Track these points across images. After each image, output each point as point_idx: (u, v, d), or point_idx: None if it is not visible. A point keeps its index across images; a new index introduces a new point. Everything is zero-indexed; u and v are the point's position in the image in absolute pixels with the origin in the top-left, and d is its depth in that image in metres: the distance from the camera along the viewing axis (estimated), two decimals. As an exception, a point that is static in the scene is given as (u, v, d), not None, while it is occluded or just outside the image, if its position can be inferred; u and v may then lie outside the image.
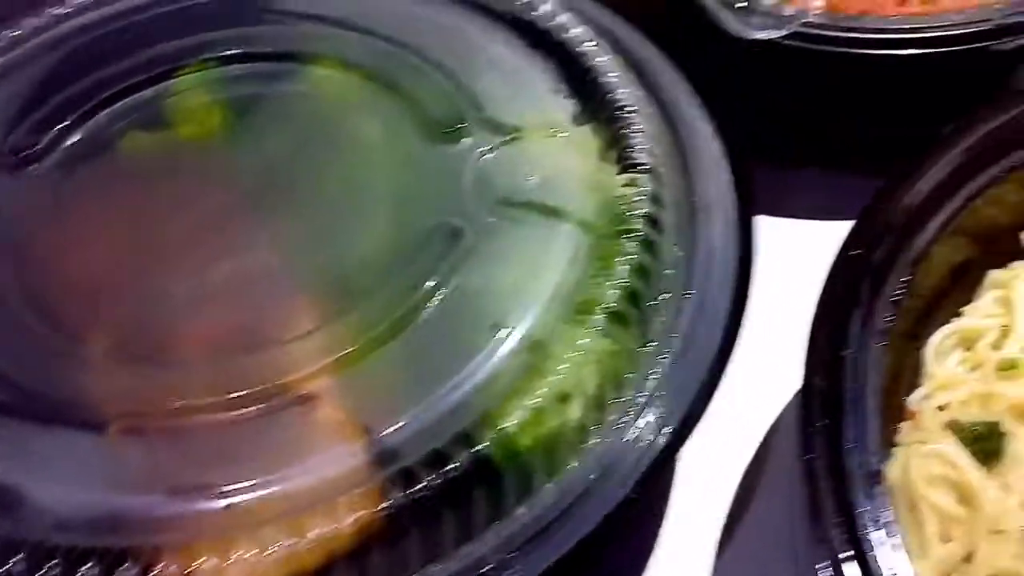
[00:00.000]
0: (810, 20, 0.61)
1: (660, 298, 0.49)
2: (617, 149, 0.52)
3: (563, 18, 0.58)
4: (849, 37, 0.60)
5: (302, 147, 0.55)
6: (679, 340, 0.48)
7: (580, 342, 0.45)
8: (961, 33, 0.60)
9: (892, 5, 0.63)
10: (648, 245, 0.49)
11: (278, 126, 0.56)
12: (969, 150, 0.54)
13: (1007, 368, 0.50)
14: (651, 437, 0.46)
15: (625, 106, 0.54)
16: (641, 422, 0.46)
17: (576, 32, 0.57)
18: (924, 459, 0.47)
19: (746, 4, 0.61)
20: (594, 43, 0.57)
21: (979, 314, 0.54)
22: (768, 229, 0.55)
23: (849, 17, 0.62)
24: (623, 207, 0.50)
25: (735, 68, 0.64)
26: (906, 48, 0.60)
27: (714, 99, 0.57)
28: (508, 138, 0.53)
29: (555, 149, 0.53)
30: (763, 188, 0.54)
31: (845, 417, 0.45)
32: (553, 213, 0.50)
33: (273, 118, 0.56)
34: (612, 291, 0.47)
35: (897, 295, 0.49)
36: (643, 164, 0.51)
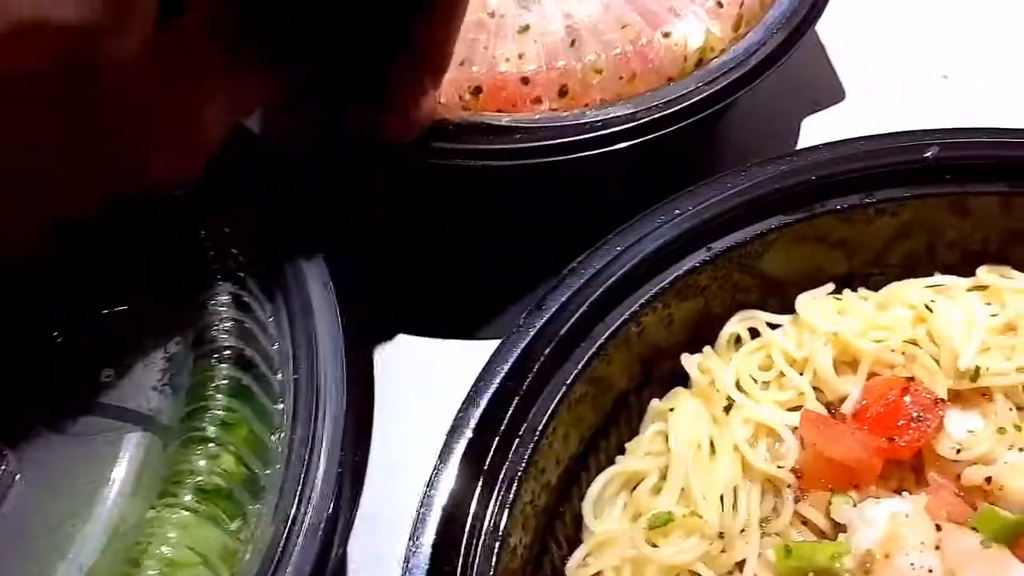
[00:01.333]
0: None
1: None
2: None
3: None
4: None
5: None
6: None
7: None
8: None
9: (528, 104, 0.57)
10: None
11: None
12: (614, 270, 0.49)
13: (661, 524, 0.45)
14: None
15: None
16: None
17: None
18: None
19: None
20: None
21: (640, 452, 0.49)
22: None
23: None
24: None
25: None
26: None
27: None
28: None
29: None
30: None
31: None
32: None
33: None
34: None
35: (529, 457, 0.43)
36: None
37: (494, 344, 0.46)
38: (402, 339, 0.58)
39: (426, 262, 0.61)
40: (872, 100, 0.69)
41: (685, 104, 0.54)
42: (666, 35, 0.57)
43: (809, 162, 0.50)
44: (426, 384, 0.56)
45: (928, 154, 0.49)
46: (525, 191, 0.57)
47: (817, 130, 0.67)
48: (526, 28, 0.58)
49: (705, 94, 0.55)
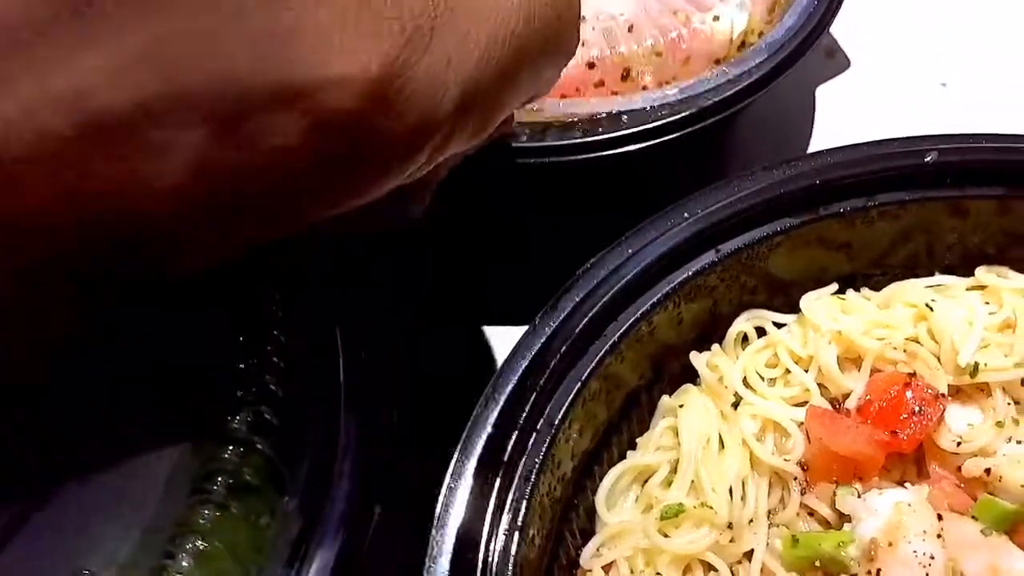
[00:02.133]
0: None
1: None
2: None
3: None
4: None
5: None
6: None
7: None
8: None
9: (591, 89, 0.60)
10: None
11: None
12: (631, 268, 0.50)
13: (672, 515, 0.46)
14: None
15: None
16: None
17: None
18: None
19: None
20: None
21: (651, 447, 0.51)
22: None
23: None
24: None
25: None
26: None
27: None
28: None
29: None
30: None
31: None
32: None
33: None
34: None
35: (543, 454, 0.44)
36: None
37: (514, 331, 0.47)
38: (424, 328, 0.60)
39: (450, 254, 0.62)
40: (875, 108, 0.71)
41: (745, 84, 0.56)
42: (716, 19, 0.60)
43: (813, 167, 0.51)
44: (451, 371, 0.58)
45: (928, 159, 0.51)
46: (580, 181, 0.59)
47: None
48: (583, 19, 0.60)
49: (761, 73, 0.57)
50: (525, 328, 0.58)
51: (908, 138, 0.53)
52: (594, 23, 0.59)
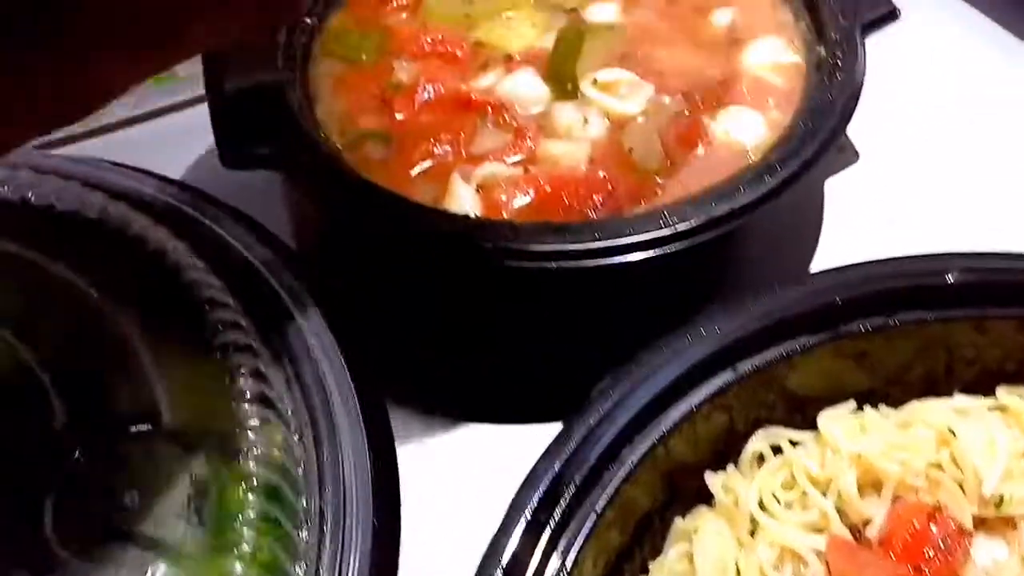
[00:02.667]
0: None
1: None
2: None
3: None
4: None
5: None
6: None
7: None
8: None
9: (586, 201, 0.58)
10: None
11: None
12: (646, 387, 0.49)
13: (689, 653, 0.45)
14: None
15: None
16: None
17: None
18: None
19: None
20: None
21: (664, 573, 0.49)
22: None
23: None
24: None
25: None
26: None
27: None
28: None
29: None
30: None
31: None
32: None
33: None
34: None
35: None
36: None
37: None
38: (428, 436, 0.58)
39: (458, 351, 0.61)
40: (884, 202, 0.70)
41: (758, 193, 0.54)
42: (720, 129, 0.59)
43: (833, 284, 0.50)
44: (456, 497, 0.56)
45: (950, 278, 0.50)
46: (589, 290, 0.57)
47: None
48: (584, 121, 0.59)
49: (775, 182, 0.55)
50: (532, 431, 0.58)
51: (929, 256, 0.52)
52: (587, 133, 0.58)
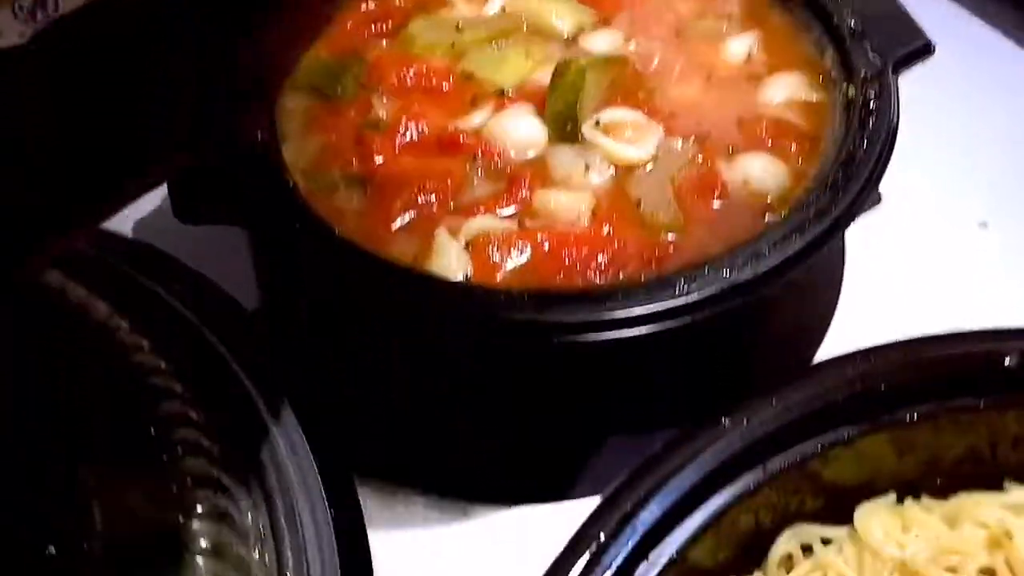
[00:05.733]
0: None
1: None
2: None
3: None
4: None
5: None
6: None
7: None
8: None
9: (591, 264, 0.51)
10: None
11: None
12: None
13: None
14: None
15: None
16: None
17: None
18: None
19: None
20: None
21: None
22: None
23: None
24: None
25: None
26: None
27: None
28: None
29: None
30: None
31: None
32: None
33: None
34: None
35: None
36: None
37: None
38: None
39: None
40: (911, 249, 0.64)
41: (775, 263, 0.48)
42: (745, 182, 0.52)
43: (875, 367, 0.44)
44: None
45: (1009, 362, 0.44)
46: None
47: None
48: (586, 168, 0.53)
49: (796, 248, 0.48)
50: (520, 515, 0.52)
51: (982, 333, 0.46)
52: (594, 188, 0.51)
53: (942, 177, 0.68)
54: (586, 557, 0.39)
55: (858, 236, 0.64)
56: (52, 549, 0.36)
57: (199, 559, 0.36)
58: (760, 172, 0.53)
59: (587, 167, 0.53)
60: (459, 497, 0.53)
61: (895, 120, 0.54)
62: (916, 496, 0.48)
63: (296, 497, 0.42)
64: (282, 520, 0.41)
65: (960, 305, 0.62)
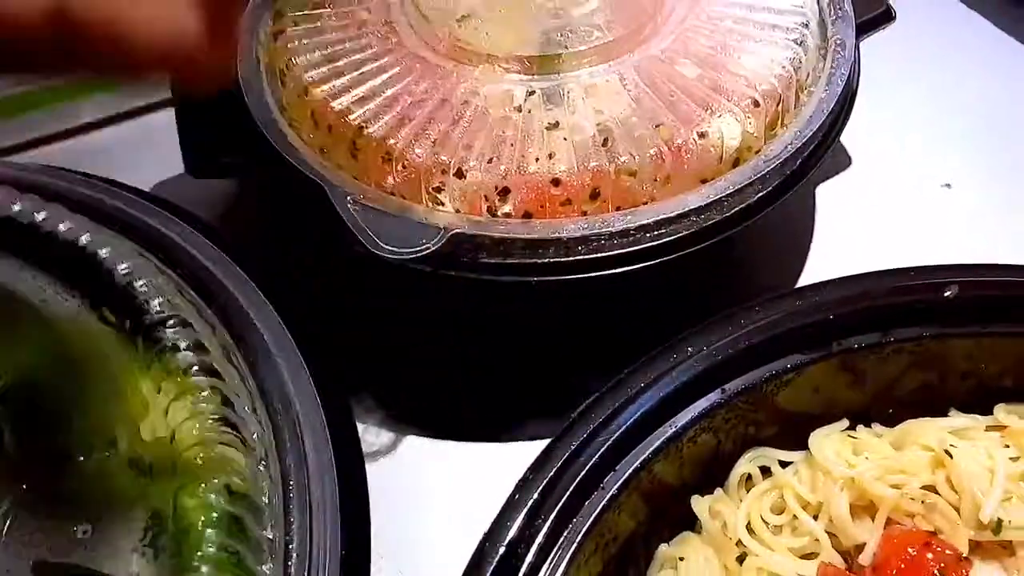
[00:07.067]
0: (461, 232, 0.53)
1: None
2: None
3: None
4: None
5: None
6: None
7: None
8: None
9: (556, 207, 0.55)
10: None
11: None
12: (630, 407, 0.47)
13: None
14: None
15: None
16: None
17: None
18: None
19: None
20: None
21: (649, 602, 0.47)
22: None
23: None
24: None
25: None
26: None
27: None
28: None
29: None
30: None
31: None
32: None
33: None
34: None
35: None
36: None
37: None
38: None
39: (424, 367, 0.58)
40: (878, 209, 0.68)
41: (738, 209, 0.52)
42: (702, 135, 0.54)
43: (825, 299, 0.48)
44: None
45: (948, 293, 0.48)
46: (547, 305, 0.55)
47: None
48: (555, 125, 0.55)
49: (758, 197, 0.53)
50: (510, 451, 0.56)
51: (926, 268, 0.49)
52: (566, 135, 0.54)
53: (909, 141, 0.72)
54: (558, 464, 0.43)
55: (828, 196, 0.68)
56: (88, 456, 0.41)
57: (211, 462, 0.41)
58: (729, 129, 0.57)
59: (569, 123, 0.57)
60: (448, 435, 0.58)
61: (855, 81, 0.58)
62: (868, 424, 0.52)
63: (299, 419, 0.46)
64: (286, 436, 0.45)
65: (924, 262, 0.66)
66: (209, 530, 0.39)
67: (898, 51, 0.68)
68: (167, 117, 0.62)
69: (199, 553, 0.38)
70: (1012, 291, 0.49)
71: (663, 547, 0.48)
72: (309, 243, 0.58)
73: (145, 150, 0.72)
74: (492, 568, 0.40)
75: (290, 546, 0.41)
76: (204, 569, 0.38)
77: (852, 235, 0.67)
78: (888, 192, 0.69)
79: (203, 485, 0.40)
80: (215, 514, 0.39)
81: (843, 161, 0.69)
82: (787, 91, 0.57)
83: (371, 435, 0.57)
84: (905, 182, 0.69)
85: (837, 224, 0.67)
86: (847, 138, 0.68)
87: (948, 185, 0.69)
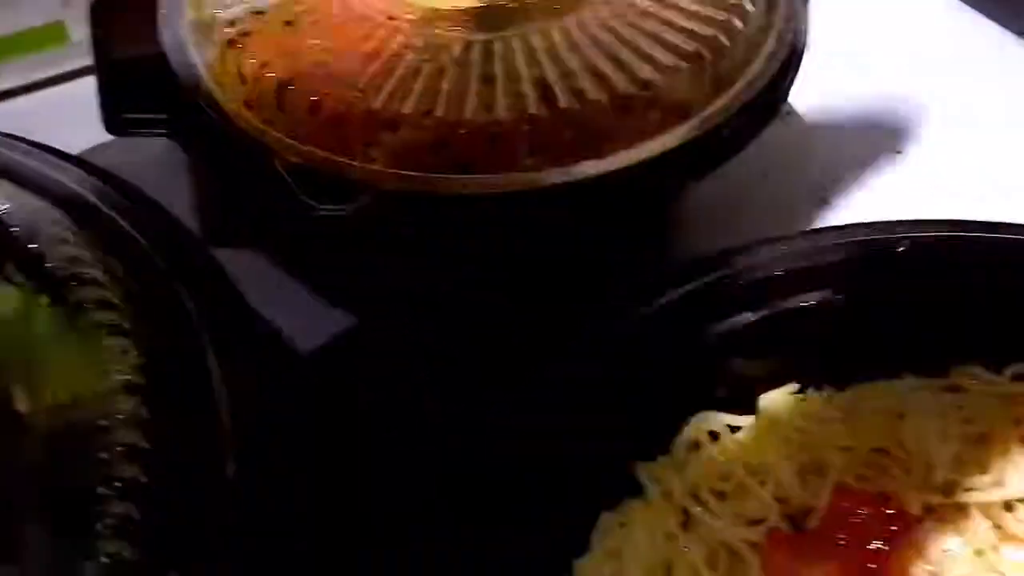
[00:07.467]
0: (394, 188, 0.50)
1: None
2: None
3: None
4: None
5: None
6: None
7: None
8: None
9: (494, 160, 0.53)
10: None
11: None
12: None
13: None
14: None
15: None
16: None
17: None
18: None
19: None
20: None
21: (590, 571, 0.45)
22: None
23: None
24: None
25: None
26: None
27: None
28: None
29: None
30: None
31: None
32: None
33: None
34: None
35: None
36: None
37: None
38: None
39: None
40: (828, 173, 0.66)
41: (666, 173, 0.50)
42: (645, 87, 0.52)
43: (773, 256, 0.46)
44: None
45: (901, 248, 0.47)
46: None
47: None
48: (493, 77, 0.53)
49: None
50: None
51: (876, 224, 0.48)
52: (504, 85, 0.51)
53: (862, 109, 0.71)
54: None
55: (775, 155, 0.67)
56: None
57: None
58: (671, 82, 0.55)
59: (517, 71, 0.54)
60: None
61: (804, 38, 0.57)
62: (819, 387, 0.51)
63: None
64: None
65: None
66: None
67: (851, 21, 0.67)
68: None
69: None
70: (963, 244, 0.47)
71: (605, 515, 0.46)
72: (242, 204, 0.56)
73: (70, 117, 0.69)
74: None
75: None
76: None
77: (799, 192, 0.65)
78: (839, 157, 0.67)
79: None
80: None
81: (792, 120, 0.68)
82: (734, 45, 0.56)
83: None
84: (858, 150, 0.68)
85: (783, 180, 0.66)
86: (800, 103, 0.68)
87: (899, 152, 0.68)
